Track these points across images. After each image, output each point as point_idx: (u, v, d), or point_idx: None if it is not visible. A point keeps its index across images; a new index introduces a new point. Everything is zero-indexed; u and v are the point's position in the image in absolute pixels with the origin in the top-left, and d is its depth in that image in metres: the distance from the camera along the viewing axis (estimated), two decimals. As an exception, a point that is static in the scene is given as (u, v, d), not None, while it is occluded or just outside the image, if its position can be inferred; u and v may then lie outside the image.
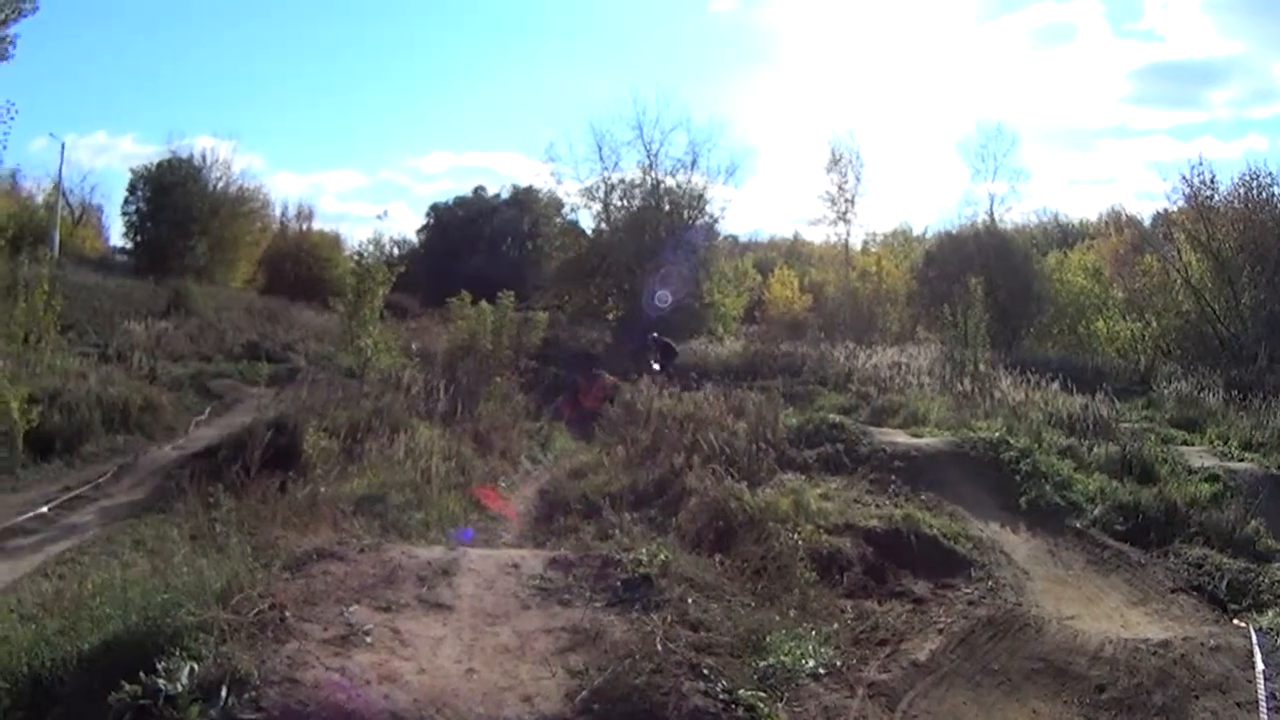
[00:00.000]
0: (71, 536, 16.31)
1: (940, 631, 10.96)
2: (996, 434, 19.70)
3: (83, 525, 17.18)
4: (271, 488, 15.21)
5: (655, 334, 38.88)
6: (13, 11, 19.17)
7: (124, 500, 19.08)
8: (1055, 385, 27.59)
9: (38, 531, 16.70)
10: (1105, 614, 13.21)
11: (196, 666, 7.85)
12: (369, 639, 9.08)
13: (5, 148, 21.32)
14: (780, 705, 8.81)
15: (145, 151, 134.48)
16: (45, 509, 17.92)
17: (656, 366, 34.79)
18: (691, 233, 50.66)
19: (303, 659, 8.40)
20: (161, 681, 7.59)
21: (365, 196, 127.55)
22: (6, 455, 20.52)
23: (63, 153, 74.23)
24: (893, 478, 17.80)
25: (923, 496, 16.90)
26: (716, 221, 53.29)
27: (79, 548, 15.40)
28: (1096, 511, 16.75)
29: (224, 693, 7.60)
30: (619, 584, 10.96)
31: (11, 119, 19.11)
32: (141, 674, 7.66)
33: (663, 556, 11.50)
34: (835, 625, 11.07)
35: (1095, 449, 20.02)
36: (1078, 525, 16.36)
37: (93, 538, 16.12)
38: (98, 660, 8.34)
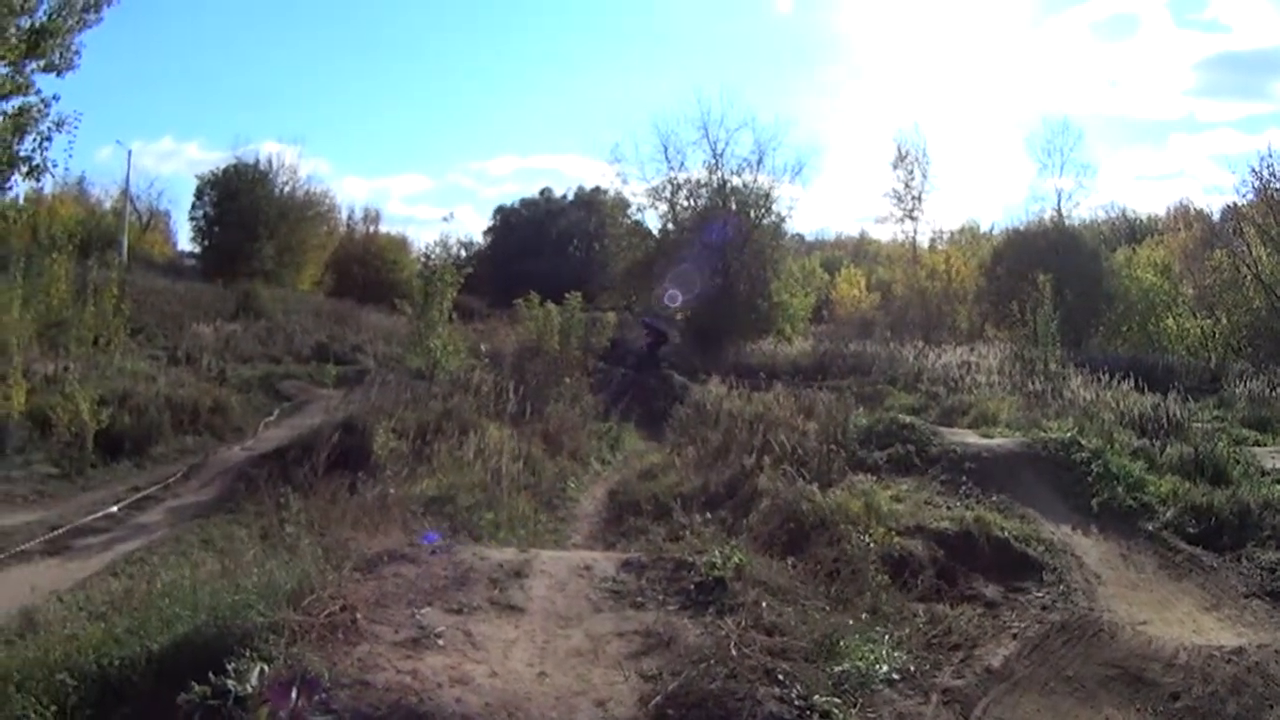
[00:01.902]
0: (140, 536, 16.36)
1: (1014, 637, 10.66)
2: (1068, 434, 19.23)
3: (151, 525, 17.25)
4: (341, 488, 15.17)
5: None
6: (77, 22, 19.15)
7: (192, 500, 19.17)
8: (1127, 385, 27.09)
9: (107, 531, 16.78)
10: (1177, 619, 12.83)
11: (267, 668, 7.75)
12: (440, 641, 8.95)
13: (72, 155, 21.40)
14: (854, 711, 8.56)
15: (211, 157, 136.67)
16: (114, 508, 18.02)
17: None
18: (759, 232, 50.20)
19: (374, 661, 8.30)
20: (231, 682, 7.47)
21: (431, 200, 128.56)
22: (77, 455, 20.58)
23: (129, 159, 75.54)
24: (963, 479, 17.36)
25: (994, 498, 16.48)
26: (783, 221, 52.73)
27: (148, 547, 15.44)
28: (1169, 514, 16.28)
29: (294, 694, 7.44)
30: (692, 587, 10.77)
31: (77, 126, 19.03)
32: (210, 674, 7.55)
33: (736, 559, 11.28)
34: (907, 629, 10.80)
35: (1167, 450, 19.50)
36: (1150, 528, 15.90)
37: (161, 537, 16.16)
38: (166, 660, 8.25)
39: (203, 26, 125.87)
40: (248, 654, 7.93)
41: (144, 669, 8.24)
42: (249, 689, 7.43)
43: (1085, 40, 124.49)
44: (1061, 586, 13.41)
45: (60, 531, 16.35)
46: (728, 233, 48.78)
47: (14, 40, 18.71)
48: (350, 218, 77.10)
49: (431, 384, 26.27)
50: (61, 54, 19.55)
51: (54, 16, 19.31)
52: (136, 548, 15.42)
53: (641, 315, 42.10)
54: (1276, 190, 43.59)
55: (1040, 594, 13.10)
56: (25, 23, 19.05)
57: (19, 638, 10.17)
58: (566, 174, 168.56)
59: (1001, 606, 12.50)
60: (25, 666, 8.45)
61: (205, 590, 9.53)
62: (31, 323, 26.62)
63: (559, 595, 10.67)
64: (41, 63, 19.39)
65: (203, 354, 35.49)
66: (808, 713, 8.24)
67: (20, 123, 19.07)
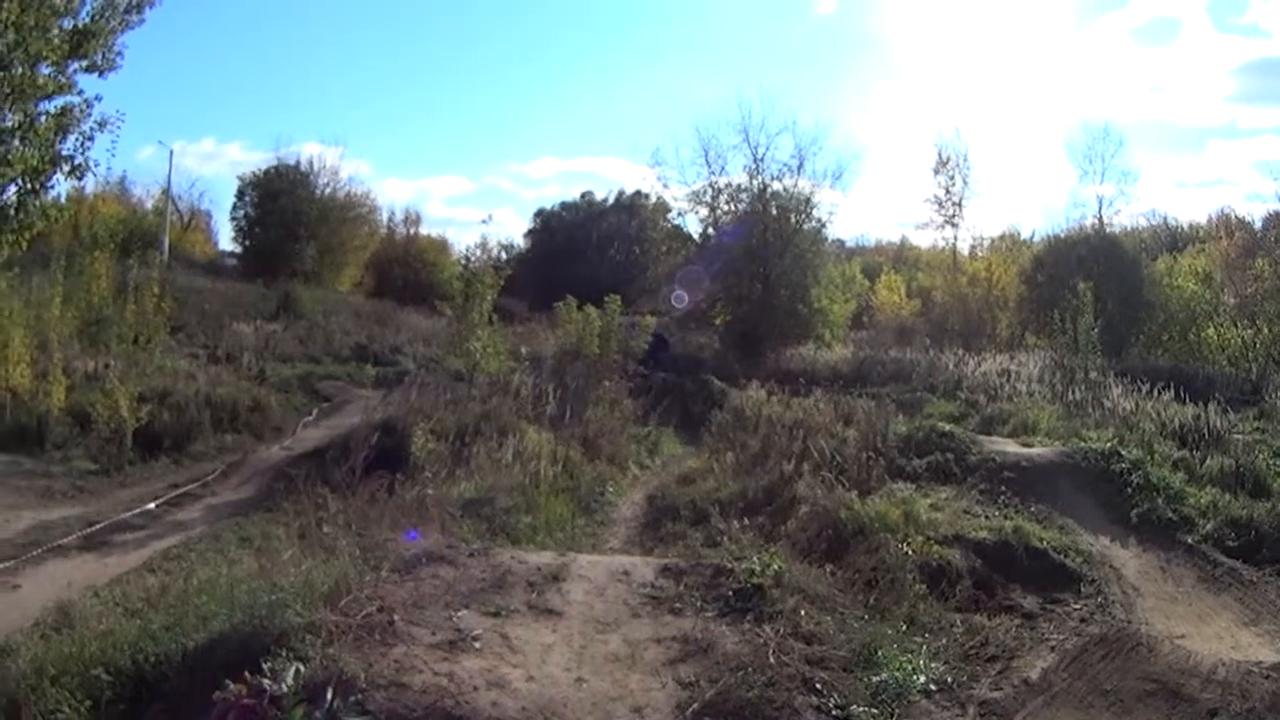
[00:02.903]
0: (177, 533, 16.42)
1: (1052, 649, 10.53)
2: (1108, 445, 19.09)
3: (189, 522, 17.29)
4: (380, 489, 15.12)
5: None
6: (120, 23, 19.23)
7: (230, 498, 19.23)
8: (1167, 395, 26.80)
9: (144, 527, 16.83)
10: (1215, 634, 12.66)
11: (303, 667, 7.70)
12: (477, 644, 8.90)
13: (115, 155, 21.48)
14: (892, 722, 8.45)
15: (253, 158, 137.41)
16: (152, 505, 18.07)
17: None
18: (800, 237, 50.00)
19: (410, 663, 8.25)
20: (267, 681, 7.43)
21: (472, 202, 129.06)
22: (116, 452, 20.65)
23: (171, 160, 76.35)
24: (1002, 488, 17.26)
25: (1033, 508, 16.38)
26: (824, 226, 52.38)
27: (185, 544, 15.51)
28: (1208, 527, 16.07)
29: (330, 695, 7.43)
30: (731, 593, 10.70)
31: (121, 126, 19.13)
32: (246, 673, 7.51)
33: (775, 566, 11.20)
34: (944, 640, 10.69)
35: (1207, 461, 19.23)
36: (1189, 541, 15.70)
37: (198, 535, 16.24)
38: (202, 657, 8.26)
39: (244, 29, 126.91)
40: (284, 653, 7.91)
41: (179, 666, 8.25)
42: (285, 688, 7.39)
43: (1125, 45, 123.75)
44: (1100, 598, 13.28)
45: (98, 527, 16.39)
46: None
47: (57, 41, 18.79)
48: (391, 219, 77.31)
49: (471, 386, 26.24)
50: (104, 55, 19.62)
51: (96, 18, 19.39)
52: (173, 545, 15.48)
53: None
54: (1320, 198, 43.13)
55: (1078, 606, 12.96)
56: (68, 24, 19.15)
57: (55, 632, 10.18)
58: (607, 177, 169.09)
59: (1039, 618, 12.37)
60: (61, 661, 8.47)
61: (242, 589, 9.54)
62: (72, 320, 26.82)
63: (597, 600, 10.61)
64: (84, 63, 19.48)
65: (243, 353, 35.65)
66: (845, 723, 8.11)
67: (63, 122, 19.15)
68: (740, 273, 48.52)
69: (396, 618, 9.02)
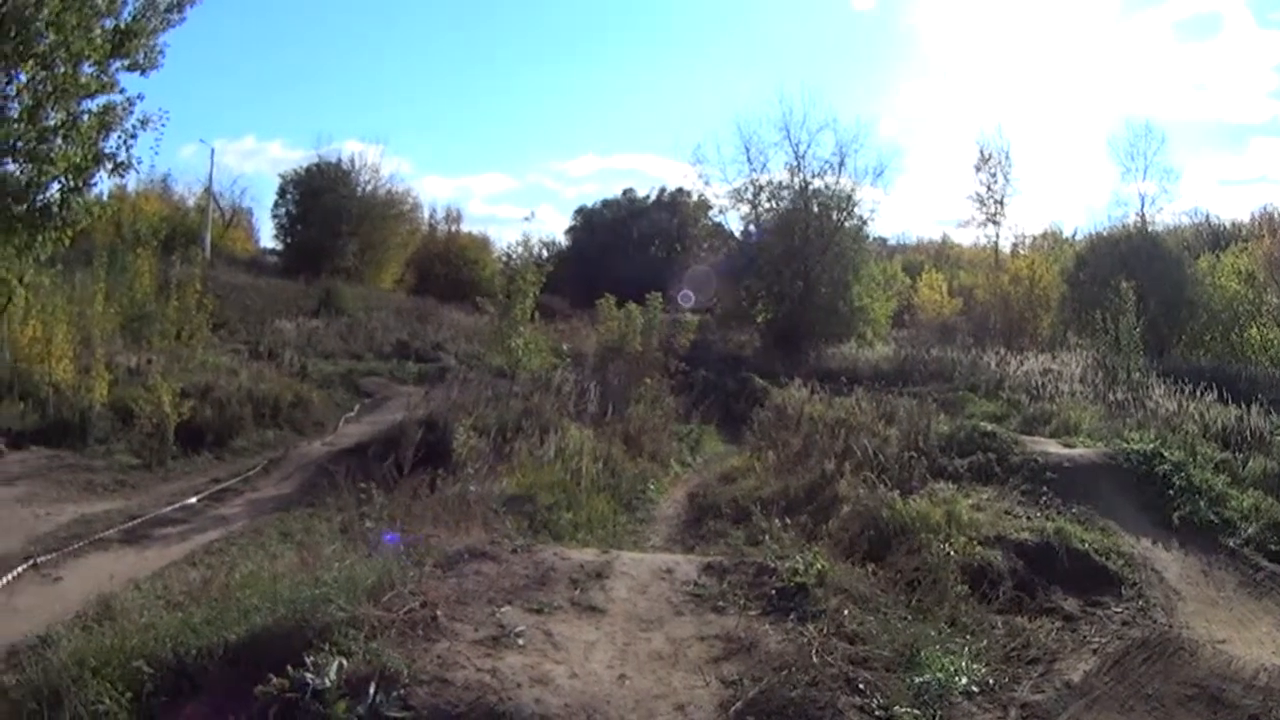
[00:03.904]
0: (219, 527, 16.44)
1: (1094, 652, 10.41)
2: (1150, 446, 18.94)
3: (230, 517, 17.33)
4: (422, 485, 15.08)
5: None
6: (161, 22, 19.37)
7: (272, 494, 19.28)
8: (1210, 396, 26.54)
9: (185, 521, 16.87)
10: (1257, 639, 12.55)
11: (345, 662, 7.68)
12: (521, 641, 8.82)
13: (158, 153, 21.65)
14: (934, 724, 8.36)
15: (293, 156, 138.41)
16: (194, 499, 18.14)
17: None
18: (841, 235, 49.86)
19: (453, 659, 8.19)
20: (309, 676, 7.42)
21: (513, 199, 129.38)
22: (158, 446, 20.74)
23: (213, 158, 76.58)
24: (1044, 489, 17.09)
25: (1074, 509, 16.19)
26: (865, 224, 52.47)
27: (226, 538, 15.50)
28: (1250, 530, 15.98)
29: (372, 690, 7.42)
30: (774, 592, 10.59)
31: (165, 125, 19.26)
32: (289, 667, 7.49)
33: (819, 565, 11.08)
34: (985, 641, 10.54)
35: (1250, 464, 19.20)
36: (1231, 544, 15.62)
37: (240, 529, 16.23)
38: (243, 651, 8.22)
39: (284, 27, 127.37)
40: (327, 648, 7.89)
41: (221, 659, 8.21)
42: (327, 683, 7.36)
43: (1167, 40, 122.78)
44: (1140, 602, 13.19)
45: (139, 521, 16.40)
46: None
47: (99, 41, 18.91)
48: (432, 216, 77.83)
49: (513, 383, 26.26)
50: (146, 54, 19.77)
51: (138, 17, 19.52)
52: (215, 539, 15.47)
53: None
54: (1363, 196, 42.76)
55: (1119, 609, 12.88)
56: (110, 23, 19.26)
57: (96, 624, 10.17)
58: (648, 174, 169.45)
59: (1080, 620, 12.29)
60: (102, 652, 8.45)
61: (284, 583, 9.52)
62: (115, 316, 27.08)
63: (640, 597, 10.53)
64: (126, 62, 19.63)
65: (284, 349, 35.93)
66: (888, 724, 8.08)
67: (105, 121, 19.30)
68: (781, 271, 48.43)
69: (439, 613, 8.96)
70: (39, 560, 13.79)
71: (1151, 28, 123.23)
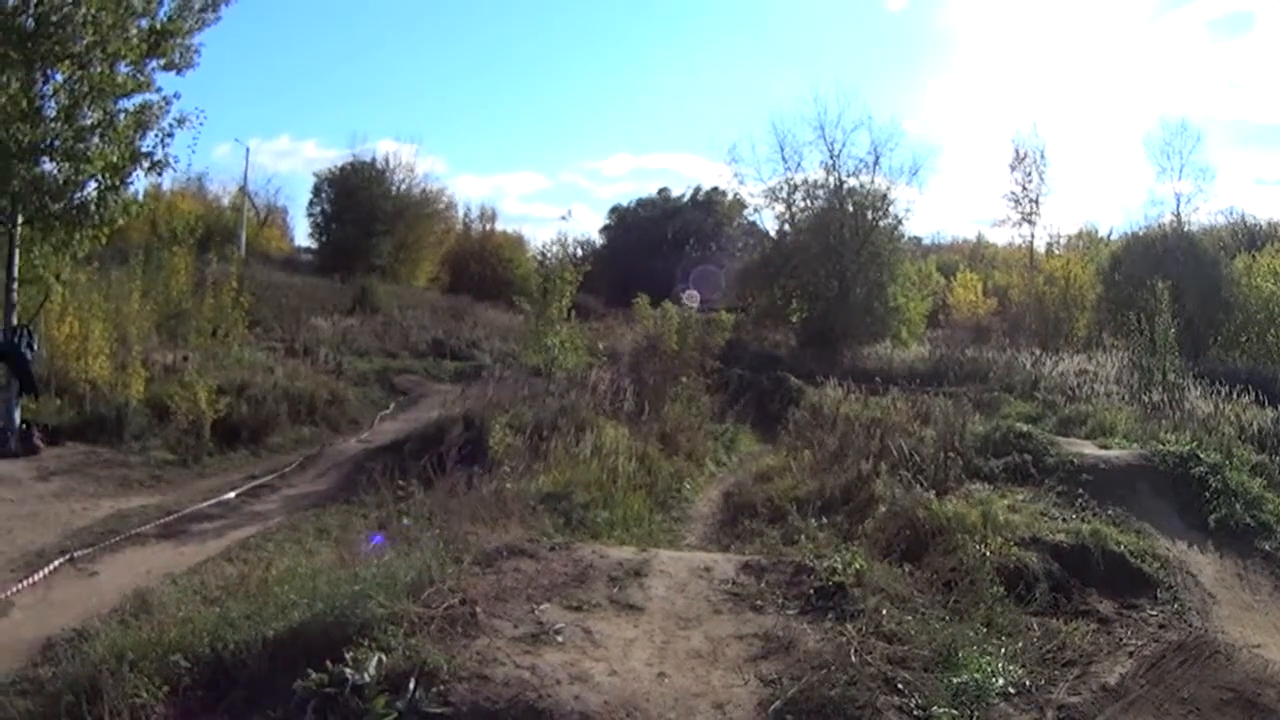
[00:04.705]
0: (255, 523, 16.50)
1: (1130, 655, 10.35)
2: (1186, 448, 18.74)
3: (266, 513, 17.40)
4: (459, 482, 15.06)
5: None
6: (196, 22, 19.54)
7: (308, 490, 19.36)
8: (1246, 397, 26.32)
9: (222, 517, 16.95)
10: (1291, 643, 12.43)
11: (385, 658, 7.70)
12: (559, 638, 8.82)
13: (195, 151, 21.87)
14: (971, 724, 8.31)
15: (328, 155, 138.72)
16: (230, 495, 18.23)
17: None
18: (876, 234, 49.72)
19: (493, 655, 8.19)
20: (349, 671, 7.44)
21: (547, 198, 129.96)
22: (194, 443, 20.83)
23: (247, 157, 76.86)
24: (1080, 490, 16.94)
25: (1110, 511, 16.03)
26: (900, 223, 52.24)
27: (262, 534, 15.54)
28: (1287, 533, 15.96)
29: (412, 685, 7.42)
30: (812, 591, 10.55)
31: (202, 124, 19.43)
32: (328, 663, 7.52)
33: (857, 565, 11.07)
34: (1021, 643, 10.49)
35: (1287, 466, 19.00)
36: (1266, 548, 15.48)
37: (276, 525, 16.28)
38: (282, 646, 8.25)
39: (319, 26, 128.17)
40: (366, 643, 7.90)
41: (259, 654, 8.22)
42: (367, 678, 7.38)
43: (1201, 38, 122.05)
44: (1176, 605, 13.07)
45: (176, 516, 16.49)
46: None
47: (135, 41, 19.03)
48: (466, 215, 78.06)
49: (549, 381, 26.24)
50: (181, 54, 19.92)
51: (174, 17, 19.64)
52: (251, 535, 15.52)
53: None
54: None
55: (1154, 612, 12.73)
56: (145, 23, 19.37)
57: (133, 618, 10.23)
58: (682, 173, 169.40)
59: (1115, 623, 12.14)
60: (140, 646, 8.51)
61: (322, 579, 9.53)
62: (151, 313, 27.21)
63: (678, 596, 10.52)
64: (162, 61, 19.76)
65: (319, 347, 36.11)
66: (927, 723, 8.05)
67: (142, 120, 19.45)
68: (817, 270, 48.33)
69: (479, 610, 8.95)
70: (75, 555, 13.89)
71: (1184, 26, 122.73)
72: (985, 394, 33.35)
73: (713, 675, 8.57)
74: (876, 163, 50.15)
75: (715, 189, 70.63)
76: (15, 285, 19.70)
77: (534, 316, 27.73)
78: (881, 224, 50.04)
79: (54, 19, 18.01)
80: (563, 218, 73.47)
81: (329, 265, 60.90)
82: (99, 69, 18.81)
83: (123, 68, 19.23)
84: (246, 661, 8.20)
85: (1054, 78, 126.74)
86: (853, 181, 50.48)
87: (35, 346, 20.47)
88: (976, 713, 8.37)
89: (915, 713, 8.10)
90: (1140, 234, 53.49)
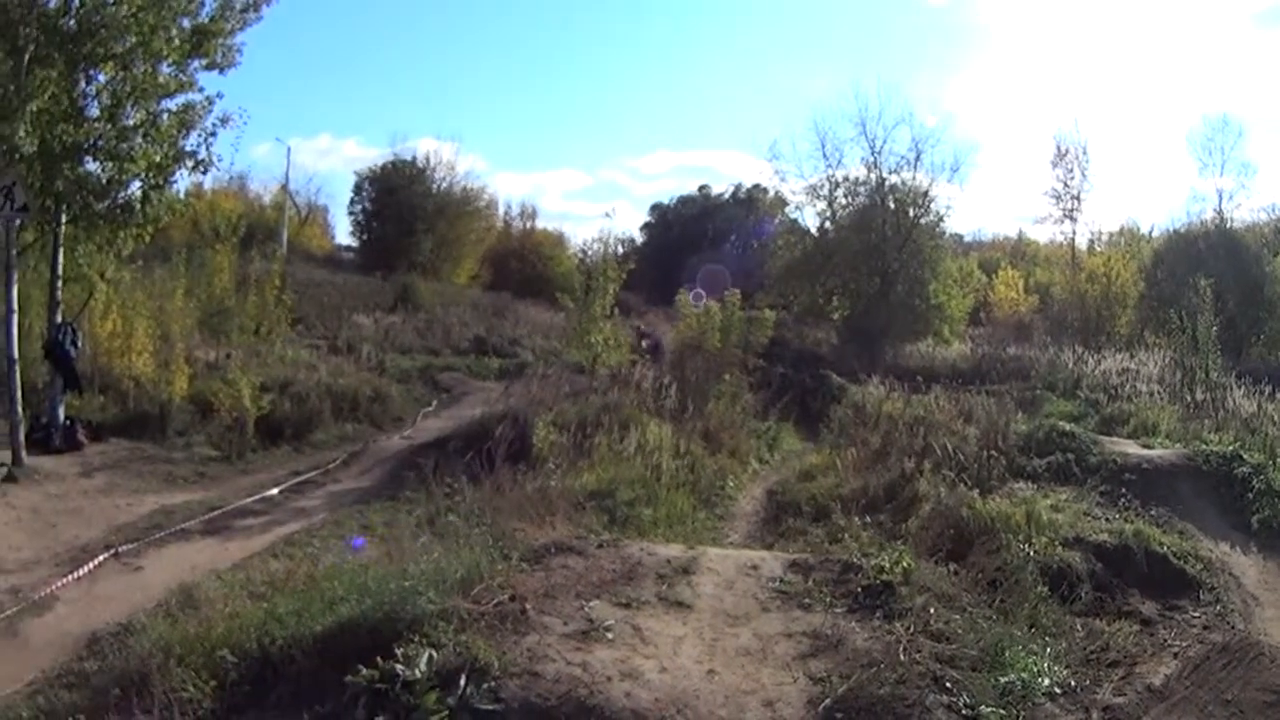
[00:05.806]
0: (299, 519, 16.52)
1: (1174, 656, 10.26)
2: (1229, 448, 18.76)
3: (311, 509, 17.43)
4: (505, 479, 15.03)
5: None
6: (238, 22, 19.66)
7: (352, 486, 19.40)
8: (1292, 396, 26.06)
9: (266, 513, 17.02)
10: (1335, 647, 12.30)
11: (435, 654, 7.65)
12: (609, 635, 8.75)
13: (238, 150, 22.11)
14: (1018, 724, 8.29)
15: (368, 154, 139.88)
16: (275, 491, 18.30)
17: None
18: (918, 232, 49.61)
19: (543, 652, 8.14)
20: (400, 667, 7.40)
21: (587, 196, 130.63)
22: (238, 439, 20.90)
23: (288, 156, 77.48)
24: (1123, 490, 16.99)
25: (1153, 511, 16.09)
26: (941, 220, 52.24)
27: (307, 530, 15.56)
28: (1330, 536, 15.83)
29: (463, 682, 7.37)
30: (859, 590, 10.41)
31: (246, 123, 19.60)
32: (378, 659, 7.50)
33: (904, 564, 10.94)
34: (1065, 643, 10.44)
35: (1329, 467, 18.84)
36: (1310, 550, 15.47)
37: (321, 521, 16.29)
38: (330, 641, 8.24)
39: (359, 26, 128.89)
40: (416, 639, 7.87)
41: (307, 649, 8.22)
42: (418, 674, 7.34)
43: (1246, 31, 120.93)
44: (1219, 606, 13.07)
45: (220, 512, 16.54)
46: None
47: (178, 41, 19.11)
48: (507, 213, 78.47)
49: (592, 379, 26.25)
50: (223, 53, 20.01)
51: (216, 17, 19.72)
52: (296, 530, 15.55)
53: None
54: None
55: (1197, 613, 12.75)
56: (188, 23, 19.46)
57: (179, 613, 10.24)
58: (722, 171, 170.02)
59: (1158, 624, 12.20)
60: (186, 641, 8.53)
61: (370, 575, 9.46)
62: (194, 311, 27.36)
63: (727, 593, 10.43)
64: (204, 61, 19.85)
65: (362, 344, 36.35)
66: (974, 722, 8.03)
67: (185, 119, 19.55)
68: (858, 267, 48.28)
69: (529, 606, 8.91)
70: (120, 550, 13.94)
71: (1229, 19, 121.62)
72: (1027, 392, 33.30)
73: (762, 673, 8.49)
74: (918, 159, 50.20)
75: (756, 186, 71.29)
76: (60, 283, 19.78)
77: (577, 314, 27.74)
78: (923, 221, 50.01)
79: (96, 20, 18.08)
80: (606, 215, 73.71)
81: (370, 263, 61.36)
82: (141, 69, 18.89)
83: (165, 68, 19.32)
84: (294, 657, 8.19)
85: (1096, 72, 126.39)
86: (894, 178, 50.64)
87: (79, 344, 20.56)
88: (1023, 712, 8.31)
89: (963, 712, 8.02)
90: (1182, 231, 53.38)
